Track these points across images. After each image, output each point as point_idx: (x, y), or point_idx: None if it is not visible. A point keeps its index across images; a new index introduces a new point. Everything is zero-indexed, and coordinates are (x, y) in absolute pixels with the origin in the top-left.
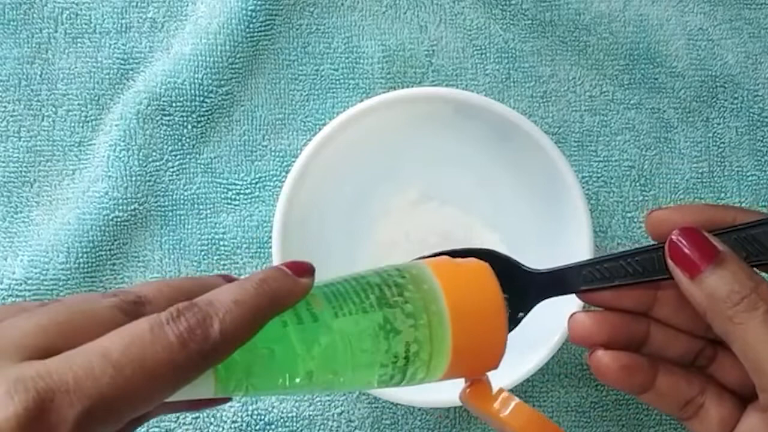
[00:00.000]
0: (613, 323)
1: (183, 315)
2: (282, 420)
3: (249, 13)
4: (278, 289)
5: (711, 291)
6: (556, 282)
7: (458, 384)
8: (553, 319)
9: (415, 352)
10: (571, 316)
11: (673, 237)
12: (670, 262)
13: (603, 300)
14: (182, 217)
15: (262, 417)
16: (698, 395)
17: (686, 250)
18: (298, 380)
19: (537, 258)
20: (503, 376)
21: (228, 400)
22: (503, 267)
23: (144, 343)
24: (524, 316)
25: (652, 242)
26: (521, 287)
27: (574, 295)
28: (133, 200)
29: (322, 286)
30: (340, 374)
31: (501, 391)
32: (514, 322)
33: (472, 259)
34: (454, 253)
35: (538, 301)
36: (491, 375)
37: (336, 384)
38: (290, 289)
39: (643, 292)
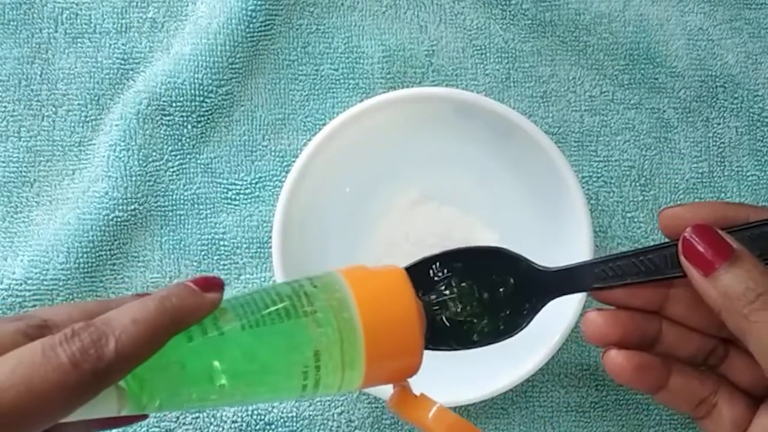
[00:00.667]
0: (625, 322)
1: (77, 335)
2: (282, 420)
3: (249, 13)
4: (181, 305)
5: (726, 289)
6: (568, 280)
7: (458, 385)
8: (553, 319)
9: (326, 360)
10: (584, 314)
11: (686, 234)
12: (683, 259)
13: (615, 298)
14: (182, 217)
15: (262, 417)
16: (711, 395)
17: (700, 248)
18: (210, 395)
19: (537, 258)
20: (503, 376)
21: (145, 416)
22: (514, 265)
23: (33, 365)
24: (535, 314)
25: (663, 240)
26: (533, 285)
27: (575, 295)
28: (133, 200)
29: (232, 299)
30: (253, 386)
31: (423, 396)
32: (524, 320)
33: (387, 265)
34: (462, 252)
35: (550, 299)
36: (491, 376)
37: (253, 396)
38: (194, 306)
39: (655, 290)
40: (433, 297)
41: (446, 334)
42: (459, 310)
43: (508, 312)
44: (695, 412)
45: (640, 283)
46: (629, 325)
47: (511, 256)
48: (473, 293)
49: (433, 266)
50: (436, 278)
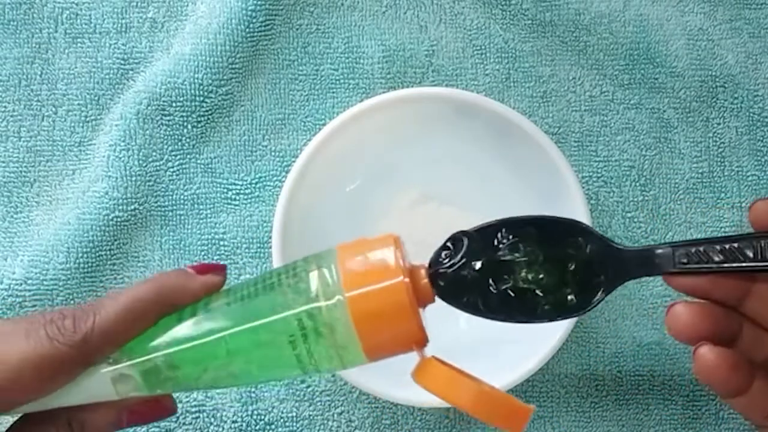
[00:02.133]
0: (713, 316)
1: (63, 313)
2: (282, 420)
3: (249, 13)
4: (169, 284)
5: None
6: (646, 261)
7: None
8: None
9: (312, 327)
10: (670, 307)
11: None
12: None
13: (694, 286)
14: (182, 217)
15: (262, 417)
16: None
17: None
18: (214, 371)
19: None
20: (503, 377)
21: (173, 411)
22: (589, 239)
23: (9, 341)
24: (608, 294)
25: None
26: (608, 263)
27: None
28: (133, 200)
29: (232, 285)
30: (247, 362)
31: (446, 366)
32: (596, 298)
33: (383, 233)
34: (534, 219)
35: (625, 281)
36: (491, 376)
37: (252, 374)
38: (184, 286)
39: (736, 283)
40: (497, 262)
41: (511, 304)
42: (525, 276)
43: (578, 287)
44: (766, 420)
45: (725, 271)
46: (715, 319)
47: (586, 230)
48: (542, 262)
49: (500, 232)
50: (501, 244)
